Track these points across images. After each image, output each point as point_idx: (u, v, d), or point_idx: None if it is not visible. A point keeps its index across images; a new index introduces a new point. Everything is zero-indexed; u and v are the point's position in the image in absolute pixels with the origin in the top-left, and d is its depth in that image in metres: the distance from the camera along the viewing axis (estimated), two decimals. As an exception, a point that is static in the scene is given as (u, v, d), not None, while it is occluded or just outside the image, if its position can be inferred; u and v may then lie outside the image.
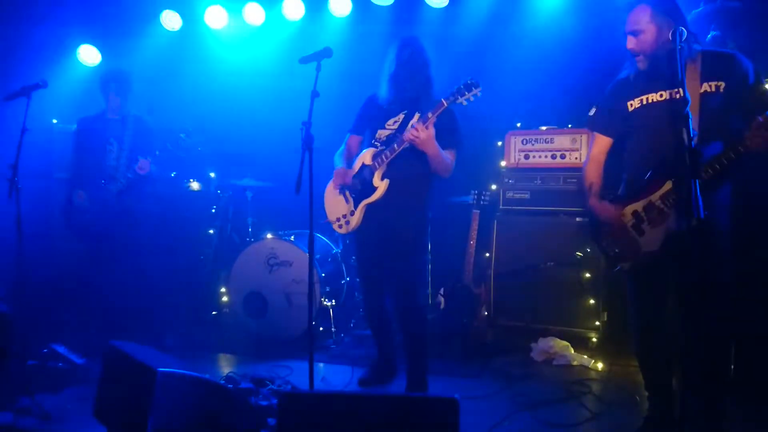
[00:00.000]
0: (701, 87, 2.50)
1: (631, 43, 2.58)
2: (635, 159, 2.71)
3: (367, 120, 3.44)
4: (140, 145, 4.19)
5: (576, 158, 4.32)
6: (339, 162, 3.45)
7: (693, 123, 2.30)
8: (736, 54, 2.54)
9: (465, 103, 2.96)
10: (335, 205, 3.42)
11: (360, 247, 3.51)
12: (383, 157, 3.18)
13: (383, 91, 3.30)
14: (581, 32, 4.54)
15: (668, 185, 2.49)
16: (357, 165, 3.32)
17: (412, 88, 3.22)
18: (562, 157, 4.36)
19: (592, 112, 2.92)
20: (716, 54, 2.57)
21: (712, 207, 2.43)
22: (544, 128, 4.43)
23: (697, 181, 1.94)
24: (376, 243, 3.34)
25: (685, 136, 2.05)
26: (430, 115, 2.99)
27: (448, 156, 3.18)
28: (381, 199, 3.23)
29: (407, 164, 3.18)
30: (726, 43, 3.27)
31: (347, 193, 3.35)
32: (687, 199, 1.92)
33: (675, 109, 2.43)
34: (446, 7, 4.91)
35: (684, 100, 2.09)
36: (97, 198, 4.14)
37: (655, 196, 2.55)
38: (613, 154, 2.88)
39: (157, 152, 4.07)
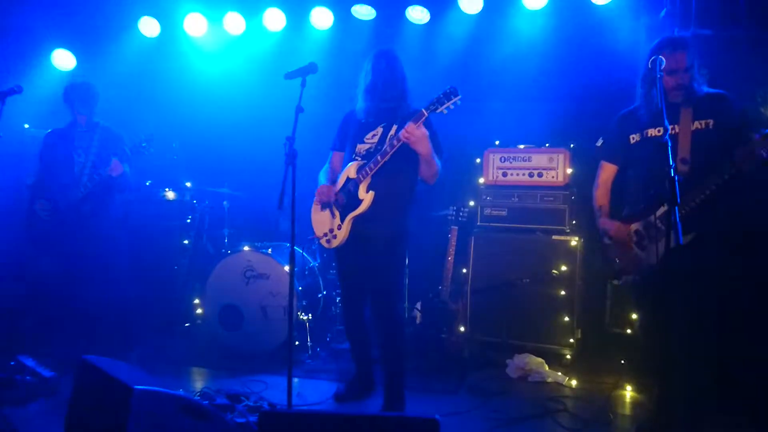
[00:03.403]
0: (693, 124, 2.81)
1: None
2: (636, 185, 3.03)
3: (346, 136, 3.43)
4: (106, 153, 4.08)
5: (552, 177, 4.38)
6: (323, 180, 3.44)
7: (686, 156, 2.66)
8: (728, 95, 2.83)
9: (445, 111, 2.94)
10: (321, 220, 3.40)
11: (341, 258, 3.48)
12: (367, 169, 3.16)
13: (360, 103, 3.29)
14: (561, 54, 4.63)
15: (664, 207, 2.69)
16: (341, 180, 3.30)
17: (388, 99, 3.22)
18: (539, 175, 4.42)
19: (599, 143, 3.29)
20: (709, 94, 2.84)
21: (706, 226, 2.69)
22: (522, 146, 4.49)
23: (677, 206, 2.11)
24: (357, 254, 3.31)
25: (669, 163, 2.23)
26: (412, 123, 2.95)
27: (437, 159, 3.18)
28: (366, 211, 3.21)
29: (391, 176, 3.18)
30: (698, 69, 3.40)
31: (333, 207, 3.33)
32: (672, 224, 2.15)
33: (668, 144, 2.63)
34: (427, 24, 4.96)
35: (664, 128, 2.19)
36: (60, 208, 4.08)
37: (653, 217, 2.81)
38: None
39: (128, 150, 3.99)
